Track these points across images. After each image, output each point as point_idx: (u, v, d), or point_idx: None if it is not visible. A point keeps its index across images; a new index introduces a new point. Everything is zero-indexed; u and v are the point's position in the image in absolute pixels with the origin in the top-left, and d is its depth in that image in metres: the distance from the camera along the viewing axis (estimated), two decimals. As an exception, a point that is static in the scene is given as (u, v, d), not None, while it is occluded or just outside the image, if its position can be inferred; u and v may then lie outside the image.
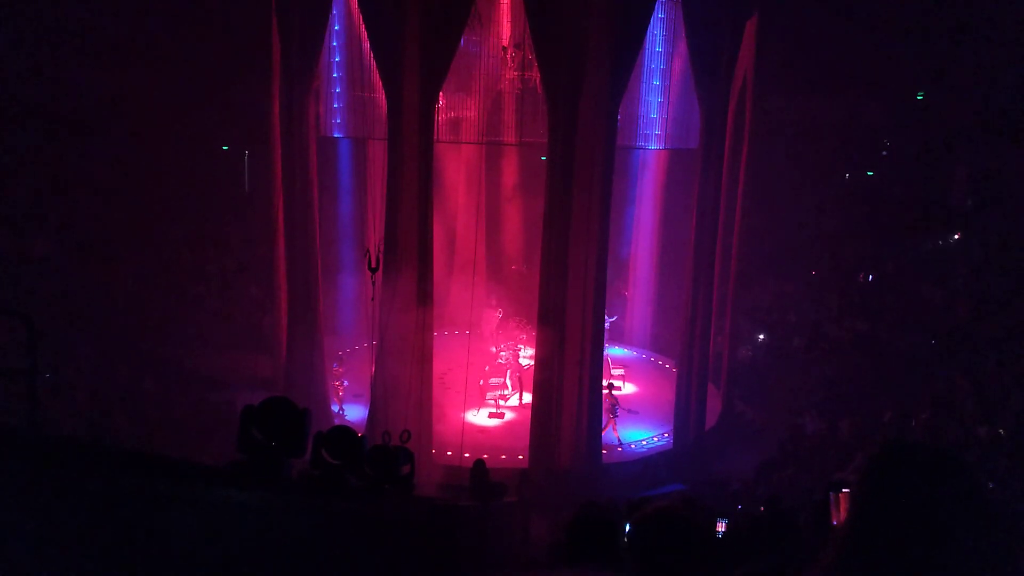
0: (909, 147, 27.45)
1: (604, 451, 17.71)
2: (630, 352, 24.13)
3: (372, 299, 15.72)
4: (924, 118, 27.28)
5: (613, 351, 22.75)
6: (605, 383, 18.30)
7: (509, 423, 19.05)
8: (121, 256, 24.18)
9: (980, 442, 16.17)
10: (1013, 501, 14.20)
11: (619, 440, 18.42)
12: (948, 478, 1.95)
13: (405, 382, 16.76)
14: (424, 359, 16.99)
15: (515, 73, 19.25)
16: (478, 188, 23.50)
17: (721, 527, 9.09)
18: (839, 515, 3.78)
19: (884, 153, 29.00)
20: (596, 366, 17.42)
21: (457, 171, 24.34)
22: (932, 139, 26.42)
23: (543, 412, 17.05)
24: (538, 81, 17.49)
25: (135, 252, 24.60)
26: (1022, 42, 24.30)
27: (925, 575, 1.88)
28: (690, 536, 2.61)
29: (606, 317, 22.50)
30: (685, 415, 18.69)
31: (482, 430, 18.55)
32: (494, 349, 21.08)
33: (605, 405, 18.09)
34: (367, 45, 17.27)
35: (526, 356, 20.66)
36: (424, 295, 16.79)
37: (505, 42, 19.38)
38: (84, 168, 24.76)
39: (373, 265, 15.19)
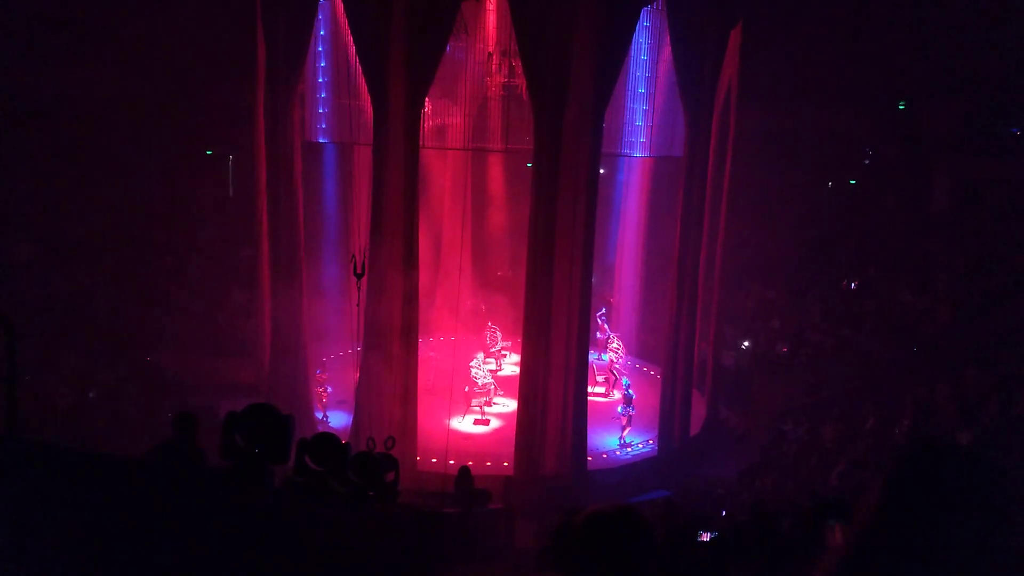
0: (891, 156, 27.74)
1: (590, 458, 17.73)
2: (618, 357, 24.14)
3: (357, 305, 15.67)
4: (906, 127, 27.58)
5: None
6: (624, 382, 19.01)
7: (494, 430, 19.02)
8: (103, 260, 23.95)
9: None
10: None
11: (624, 440, 18.52)
12: (972, 477, 1.99)
13: (390, 388, 16.70)
14: (409, 365, 16.95)
15: (501, 80, 19.29)
16: (464, 194, 23.53)
17: (706, 537, 9.10)
18: (836, 540, 3.80)
19: (866, 162, 29.30)
20: (581, 372, 17.45)
21: (443, 177, 24.32)
22: (913, 148, 26.72)
23: (528, 418, 17.04)
24: (524, 88, 17.54)
25: (117, 256, 24.37)
26: (1004, 52, 24.65)
27: (941, 569, 1.91)
28: (635, 534, 2.67)
29: (612, 334, 22.62)
30: (670, 421, 18.75)
31: (467, 437, 18.50)
32: (481, 355, 21.02)
33: (623, 402, 18.50)
34: (353, 50, 17.25)
35: (511, 363, 20.66)
36: (409, 301, 16.76)
37: (491, 48, 19.42)
38: (66, 171, 24.52)
39: (359, 271, 15.14)
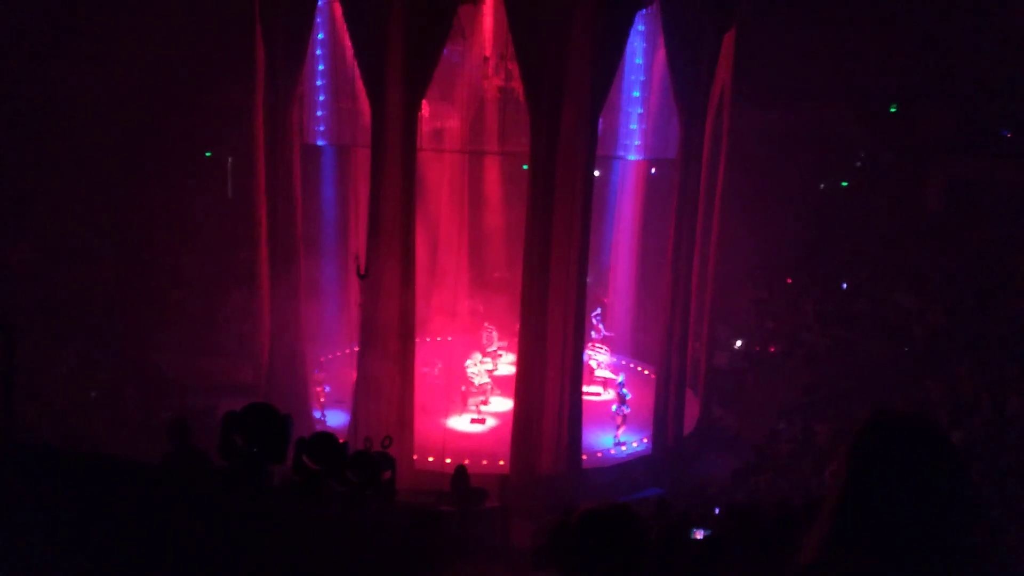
0: (883, 158, 27.86)
1: (584, 456, 17.86)
2: (609, 358, 24.26)
3: (360, 304, 15.81)
4: (898, 130, 27.71)
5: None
6: (619, 380, 19.23)
7: (491, 429, 19.13)
8: (101, 261, 24.01)
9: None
10: (989, 507, 14.47)
11: (619, 439, 18.68)
12: (931, 447, 2.05)
13: (387, 388, 16.81)
14: (406, 365, 17.06)
15: (498, 83, 19.40)
16: (460, 196, 23.64)
17: (699, 535, 9.22)
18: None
19: (859, 164, 29.40)
20: (577, 372, 17.57)
21: (440, 179, 24.39)
22: (906, 150, 26.85)
23: (524, 418, 17.16)
24: (520, 91, 17.65)
25: (116, 257, 24.42)
26: (997, 54, 24.78)
27: (915, 541, 1.98)
28: (630, 532, 2.72)
29: (604, 330, 22.76)
30: (664, 421, 18.87)
31: (464, 436, 18.62)
32: (477, 355, 21.12)
33: (617, 401, 18.64)
34: (351, 53, 17.36)
35: (507, 362, 20.71)
36: (406, 301, 16.87)
37: (488, 52, 19.53)
38: (64, 172, 24.57)
39: (362, 272, 15.25)
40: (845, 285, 24.66)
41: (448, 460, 16.41)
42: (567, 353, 17.15)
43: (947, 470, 2.02)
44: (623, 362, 23.36)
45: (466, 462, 14.71)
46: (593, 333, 22.22)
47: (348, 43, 17.40)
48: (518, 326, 18.05)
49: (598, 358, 21.85)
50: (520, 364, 17.39)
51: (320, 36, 19.05)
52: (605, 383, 21.21)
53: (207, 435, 5.60)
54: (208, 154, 28.95)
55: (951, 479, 2.01)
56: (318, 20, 18.33)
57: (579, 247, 16.91)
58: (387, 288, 16.70)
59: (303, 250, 19.51)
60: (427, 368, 19.90)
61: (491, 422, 19.36)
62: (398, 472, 8.36)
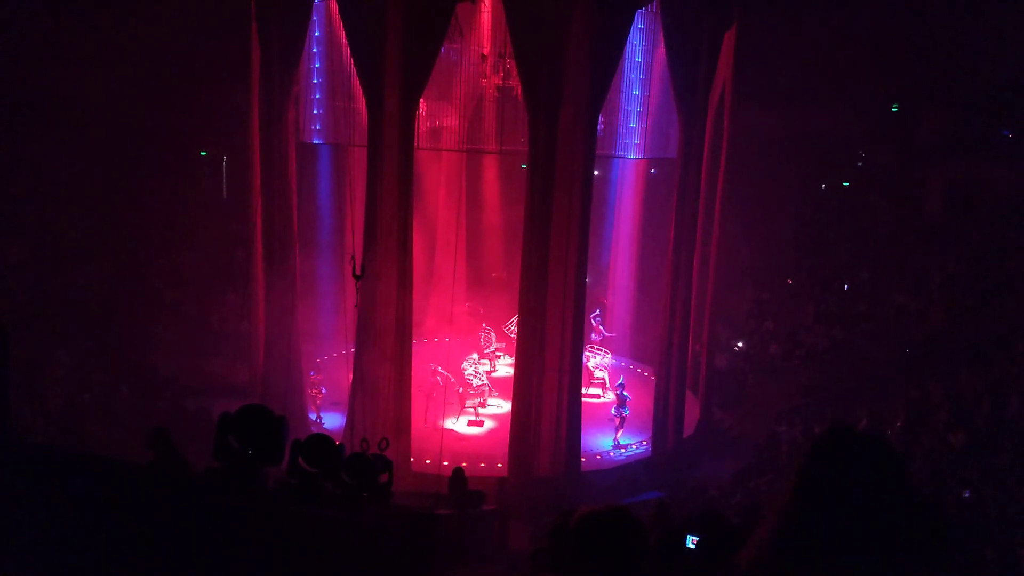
0: (883, 158, 27.87)
1: (583, 459, 17.76)
2: (609, 359, 24.18)
3: (356, 306, 15.69)
4: (898, 130, 27.71)
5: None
6: (619, 382, 19.06)
7: (488, 431, 19.03)
8: (96, 261, 23.89)
9: (952, 449, 16.41)
10: (986, 507, 14.42)
11: (618, 441, 18.57)
12: (878, 461, 2.03)
13: (384, 389, 16.70)
14: (403, 366, 16.95)
15: (496, 81, 19.31)
16: (458, 196, 23.56)
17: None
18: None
19: (859, 164, 29.41)
20: (575, 373, 17.47)
21: (437, 179, 24.33)
22: (906, 150, 26.84)
23: (522, 420, 17.05)
24: (519, 89, 17.57)
25: (110, 257, 24.31)
26: (996, 54, 24.77)
27: (858, 553, 1.95)
28: (628, 535, 2.69)
29: (604, 331, 22.68)
30: (663, 422, 18.79)
31: (461, 438, 18.51)
32: (475, 356, 21.01)
33: (617, 404, 18.52)
34: (348, 52, 17.25)
35: (505, 364, 20.57)
36: (403, 302, 16.76)
37: (486, 51, 19.44)
38: (59, 173, 24.45)
39: (358, 272, 15.15)
40: (846, 286, 24.61)
41: (445, 462, 16.28)
42: (566, 354, 17.05)
43: (893, 489, 2.00)
44: (623, 363, 23.26)
45: (463, 464, 14.60)
46: (592, 334, 22.13)
47: (345, 41, 17.28)
48: (516, 327, 17.92)
49: (597, 359, 21.75)
50: (518, 365, 17.28)
51: (316, 34, 18.94)
52: (604, 385, 21.11)
53: (201, 437, 5.51)
54: (203, 153, 28.84)
55: (897, 498, 1.99)
56: (314, 18, 18.22)
57: (578, 247, 16.83)
58: (384, 288, 16.60)
59: (299, 250, 19.39)
60: (433, 378, 19.47)
61: (489, 424, 19.26)
62: (395, 474, 8.25)
